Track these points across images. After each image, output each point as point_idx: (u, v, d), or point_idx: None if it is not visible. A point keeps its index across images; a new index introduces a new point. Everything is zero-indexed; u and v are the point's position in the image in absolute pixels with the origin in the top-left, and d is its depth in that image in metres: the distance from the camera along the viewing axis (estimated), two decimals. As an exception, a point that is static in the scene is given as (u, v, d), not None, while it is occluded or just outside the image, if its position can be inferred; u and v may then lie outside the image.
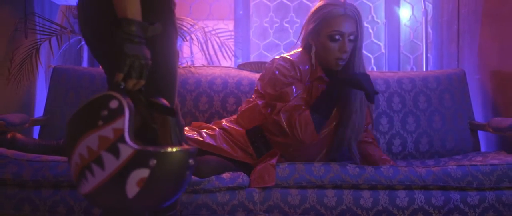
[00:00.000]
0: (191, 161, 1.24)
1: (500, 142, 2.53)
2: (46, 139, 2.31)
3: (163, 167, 1.20)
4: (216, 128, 2.17)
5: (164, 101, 1.32)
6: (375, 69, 3.57)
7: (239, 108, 2.25)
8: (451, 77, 2.57)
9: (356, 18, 2.02)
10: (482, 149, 2.60)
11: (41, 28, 2.77)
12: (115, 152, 1.18)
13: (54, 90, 2.55)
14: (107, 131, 1.19)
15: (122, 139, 1.19)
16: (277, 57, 2.14)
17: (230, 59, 3.22)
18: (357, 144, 2.11)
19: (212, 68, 2.62)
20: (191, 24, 2.87)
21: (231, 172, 1.98)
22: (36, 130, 2.77)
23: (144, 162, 1.18)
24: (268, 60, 2.24)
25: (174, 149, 1.21)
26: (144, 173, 1.18)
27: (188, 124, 2.30)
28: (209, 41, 2.98)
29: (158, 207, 1.29)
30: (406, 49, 3.63)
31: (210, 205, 1.90)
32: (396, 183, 1.94)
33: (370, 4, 3.62)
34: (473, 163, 2.02)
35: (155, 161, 1.18)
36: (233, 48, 3.23)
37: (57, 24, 2.86)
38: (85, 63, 3.39)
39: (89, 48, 1.48)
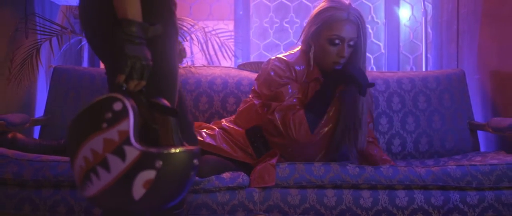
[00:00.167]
0: (195, 161, 1.24)
1: (500, 142, 2.53)
2: (47, 139, 2.31)
3: (169, 168, 1.19)
4: (216, 128, 2.17)
5: (165, 102, 1.32)
6: (374, 69, 3.58)
7: (238, 108, 2.25)
8: (450, 77, 2.57)
9: (358, 24, 2.01)
10: (482, 149, 2.61)
11: (42, 28, 2.78)
12: (121, 154, 1.18)
13: (55, 90, 2.56)
14: (112, 134, 1.19)
15: (127, 141, 1.18)
16: (273, 57, 2.15)
17: (230, 59, 3.22)
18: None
19: (212, 68, 2.62)
20: (191, 24, 2.87)
21: (231, 172, 1.98)
22: (36, 130, 2.78)
23: (150, 163, 1.18)
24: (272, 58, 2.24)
25: (179, 150, 1.21)
26: (150, 174, 1.17)
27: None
28: (209, 41, 2.99)
29: (162, 208, 1.29)
30: (405, 49, 3.63)
31: (210, 204, 1.91)
32: (396, 183, 1.94)
33: (370, 4, 3.63)
34: (473, 163, 2.02)
35: (161, 162, 1.18)
36: (233, 48, 3.24)
37: (58, 24, 2.86)
38: (85, 63, 3.40)
39: (92, 49, 1.48)
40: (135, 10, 1.29)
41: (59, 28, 2.83)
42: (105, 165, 1.18)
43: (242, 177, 1.95)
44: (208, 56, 2.95)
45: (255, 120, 2.10)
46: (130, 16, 1.27)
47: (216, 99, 2.49)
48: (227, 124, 2.18)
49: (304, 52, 2.12)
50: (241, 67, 2.66)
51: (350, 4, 2.04)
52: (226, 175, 1.95)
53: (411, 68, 3.62)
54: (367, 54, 3.54)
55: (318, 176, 1.95)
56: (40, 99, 2.88)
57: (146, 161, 1.18)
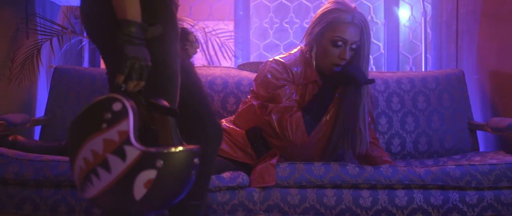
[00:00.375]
0: (196, 160, 1.24)
1: (499, 142, 2.54)
2: (48, 141, 2.32)
3: (170, 168, 1.19)
4: (216, 128, 2.17)
5: (164, 102, 1.31)
6: (374, 69, 3.59)
7: (238, 109, 2.25)
8: (450, 77, 2.58)
9: (362, 27, 2.01)
10: (481, 149, 2.61)
11: (42, 29, 2.79)
12: (121, 154, 1.18)
13: (55, 90, 2.56)
14: (112, 134, 1.19)
15: (127, 141, 1.18)
16: (270, 59, 2.15)
17: (230, 59, 3.23)
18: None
19: (212, 68, 2.62)
20: (191, 25, 2.88)
21: (231, 172, 1.98)
22: (37, 130, 2.78)
23: (151, 163, 1.17)
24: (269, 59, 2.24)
25: (180, 149, 1.21)
26: (151, 174, 1.17)
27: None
28: (209, 42, 3.00)
29: (163, 208, 1.29)
30: (405, 49, 3.64)
31: (210, 204, 1.91)
32: (395, 182, 1.95)
33: (370, 5, 3.64)
34: (472, 162, 2.03)
35: (162, 162, 1.18)
36: (233, 48, 3.25)
37: (58, 25, 2.87)
38: (86, 63, 3.41)
39: (97, 48, 1.49)
40: (135, 11, 1.28)
41: (59, 28, 2.84)
42: (106, 165, 1.18)
43: (242, 177, 1.96)
44: (208, 56, 2.96)
45: (253, 121, 2.10)
46: (129, 16, 1.27)
47: (216, 99, 2.49)
48: (227, 124, 2.18)
49: (304, 53, 2.12)
50: (241, 67, 2.67)
51: (355, 7, 2.04)
52: (226, 174, 1.95)
53: (411, 68, 3.62)
54: (367, 54, 3.55)
55: (318, 176, 1.95)
56: (41, 99, 2.89)
57: (146, 161, 1.18)
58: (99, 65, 3.49)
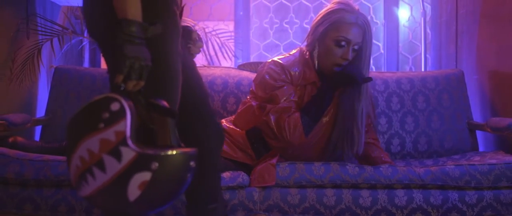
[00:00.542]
0: (192, 163, 1.23)
1: (498, 142, 2.54)
2: (48, 142, 2.32)
3: (165, 170, 1.19)
4: (216, 128, 2.17)
5: (164, 103, 1.31)
6: (374, 70, 3.59)
7: (237, 110, 2.25)
8: (449, 78, 2.58)
9: (365, 29, 2.02)
10: (480, 149, 2.62)
11: (43, 29, 2.79)
12: (117, 155, 1.17)
13: (56, 90, 2.56)
14: (109, 134, 1.18)
15: (124, 142, 1.17)
16: (269, 60, 2.15)
17: (230, 59, 3.24)
18: None
19: (213, 68, 2.63)
20: (191, 25, 2.89)
21: (231, 172, 1.98)
22: (37, 130, 2.79)
23: (146, 165, 1.17)
24: (268, 60, 2.25)
25: (176, 152, 1.20)
26: (146, 176, 1.17)
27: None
28: (209, 42, 3.00)
29: (158, 210, 1.28)
30: (404, 49, 3.64)
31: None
32: (395, 182, 1.95)
33: (369, 5, 3.64)
34: (471, 162, 2.03)
35: (157, 164, 1.17)
36: (233, 48, 3.25)
37: (59, 25, 2.88)
38: (86, 63, 3.41)
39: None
40: (135, 10, 1.28)
41: (60, 28, 2.85)
42: (101, 165, 1.18)
43: (242, 177, 1.96)
44: (208, 56, 2.97)
45: (253, 122, 2.10)
46: (129, 16, 1.26)
47: (216, 99, 2.50)
48: (227, 125, 2.18)
49: (303, 54, 2.12)
50: (241, 67, 2.67)
51: (358, 9, 2.05)
52: (226, 174, 1.96)
53: (410, 68, 3.63)
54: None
55: (318, 175, 1.96)
56: (41, 99, 2.89)
57: (141, 163, 1.17)
58: (99, 65, 3.50)
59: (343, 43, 2.01)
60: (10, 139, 2.20)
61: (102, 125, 1.19)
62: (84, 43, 3.22)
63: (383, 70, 3.54)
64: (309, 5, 3.64)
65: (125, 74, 1.24)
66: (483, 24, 2.70)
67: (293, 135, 1.98)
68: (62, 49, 2.92)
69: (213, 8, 3.66)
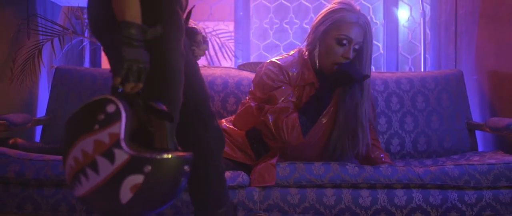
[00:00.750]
0: (186, 167, 1.23)
1: (497, 141, 2.55)
2: (49, 142, 2.32)
3: (157, 174, 1.19)
4: (216, 128, 2.18)
5: (162, 106, 1.30)
6: (373, 70, 3.59)
7: (237, 110, 2.26)
8: (448, 78, 2.59)
9: (366, 29, 2.02)
10: (480, 148, 2.62)
11: (44, 29, 2.80)
12: (110, 157, 1.17)
13: (56, 90, 2.57)
14: (103, 136, 1.18)
15: (117, 144, 1.17)
16: (267, 61, 2.16)
17: (230, 59, 3.25)
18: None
19: (213, 68, 2.63)
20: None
21: (231, 171, 1.99)
22: (38, 130, 2.79)
23: (139, 168, 1.17)
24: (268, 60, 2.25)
25: (170, 156, 1.20)
26: (138, 179, 1.17)
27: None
28: (209, 42, 3.01)
29: (150, 213, 1.27)
30: (404, 49, 3.65)
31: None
32: (395, 182, 1.96)
33: (369, 5, 3.65)
34: (471, 162, 2.04)
35: (150, 167, 1.17)
36: (233, 48, 3.26)
37: (59, 25, 2.89)
38: (87, 64, 3.42)
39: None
40: (134, 12, 1.27)
41: (60, 28, 2.86)
42: (94, 166, 1.18)
43: (242, 176, 1.96)
44: (208, 56, 2.97)
45: (252, 122, 2.10)
46: (128, 18, 1.26)
47: (216, 99, 2.50)
48: (226, 125, 2.19)
49: (302, 55, 2.12)
50: (241, 67, 2.67)
51: (359, 9, 2.06)
52: (226, 174, 1.95)
53: (410, 69, 3.63)
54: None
55: (318, 175, 1.96)
56: (42, 99, 2.90)
57: (134, 165, 1.17)
58: (100, 66, 3.51)
59: (344, 41, 2.02)
60: (11, 141, 2.20)
61: (97, 126, 1.19)
62: (84, 43, 3.23)
63: (382, 70, 3.55)
64: (309, 5, 3.65)
65: (123, 77, 1.24)
66: (482, 25, 2.71)
67: (291, 136, 1.98)
68: (62, 49, 2.93)
69: (213, 8, 3.67)
